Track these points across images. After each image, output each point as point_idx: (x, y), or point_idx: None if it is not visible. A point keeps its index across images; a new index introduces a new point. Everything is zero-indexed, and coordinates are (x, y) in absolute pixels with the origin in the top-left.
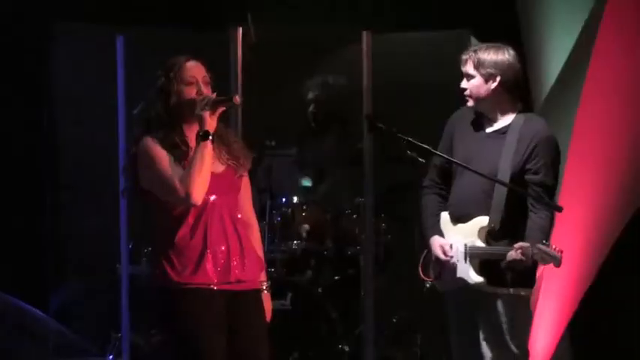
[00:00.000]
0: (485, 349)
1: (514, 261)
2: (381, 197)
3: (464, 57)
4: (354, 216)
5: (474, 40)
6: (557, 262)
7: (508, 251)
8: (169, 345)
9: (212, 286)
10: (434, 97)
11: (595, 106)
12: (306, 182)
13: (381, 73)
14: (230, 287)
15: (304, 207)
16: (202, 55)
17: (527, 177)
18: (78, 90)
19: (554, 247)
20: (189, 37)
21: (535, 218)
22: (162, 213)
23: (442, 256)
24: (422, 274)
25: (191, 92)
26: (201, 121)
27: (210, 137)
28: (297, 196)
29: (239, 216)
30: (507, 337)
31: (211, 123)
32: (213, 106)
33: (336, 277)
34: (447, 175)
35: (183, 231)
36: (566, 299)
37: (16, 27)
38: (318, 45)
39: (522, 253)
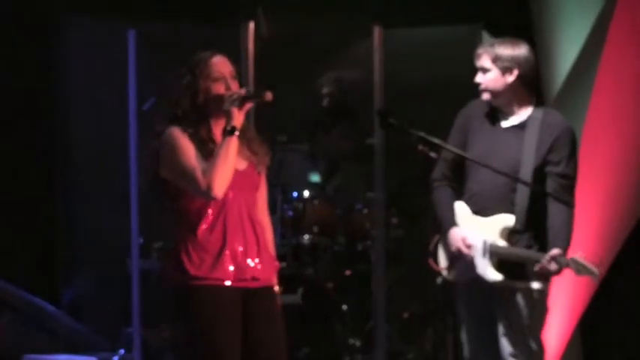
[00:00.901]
0: (505, 345)
1: (544, 269)
2: (393, 192)
3: (479, 51)
4: (365, 211)
5: (485, 35)
6: (595, 277)
7: (533, 257)
8: (182, 340)
9: (228, 283)
10: (446, 92)
11: (606, 102)
12: (315, 177)
13: (392, 68)
14: (245, 284)
15: (315, 202)
16: (212, 49)
17: (549, 168)
18: (88, 85)
19: (591, 261)
20: (198, 32)
21: (556, 211)
22: (181, 207)
23: (465, 250)
24: (432, 263)
25: (219, 88)
26: (228, 116)
27: (237, 133)
28: (309, 190)
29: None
30: (527, 332)
31: (239, 118)
32: (242, 102)
33: (347, 272)
34: (458, 168)
35: (203, 226)
36: (577, 296)
37: (23, 23)
38: (330, 40)
39: (556, 263)
